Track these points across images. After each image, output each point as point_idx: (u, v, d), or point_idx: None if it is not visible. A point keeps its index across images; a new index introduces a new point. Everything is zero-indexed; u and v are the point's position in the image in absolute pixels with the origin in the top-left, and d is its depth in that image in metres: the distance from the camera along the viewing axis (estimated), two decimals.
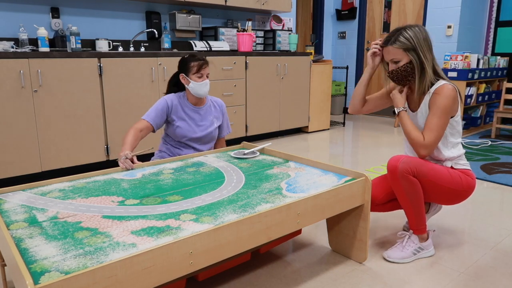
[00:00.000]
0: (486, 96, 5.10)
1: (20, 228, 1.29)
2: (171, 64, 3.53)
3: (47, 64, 2.91)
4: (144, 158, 2.44)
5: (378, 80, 6.32)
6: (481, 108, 5.18)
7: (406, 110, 1.88)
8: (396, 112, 1.88)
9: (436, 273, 1.79)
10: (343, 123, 5.57)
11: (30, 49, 3.09)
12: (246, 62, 4.17)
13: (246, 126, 4.30)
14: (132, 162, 1.95)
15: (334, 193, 1.63)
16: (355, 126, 5.53)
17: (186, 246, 1.18)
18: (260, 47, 4.94)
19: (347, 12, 6.30)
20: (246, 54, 4.17)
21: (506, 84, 4.74)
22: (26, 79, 2.84)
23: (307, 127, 5.00)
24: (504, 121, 5.13)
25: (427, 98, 1.81)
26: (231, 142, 4.14)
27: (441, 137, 1.77)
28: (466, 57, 4.68)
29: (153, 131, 2.22)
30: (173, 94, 2.31)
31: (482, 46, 5.63)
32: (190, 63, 2.23)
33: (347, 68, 5.40)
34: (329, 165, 1.91)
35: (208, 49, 4.06)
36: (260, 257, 1.93)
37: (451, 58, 4.78)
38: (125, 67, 3.28)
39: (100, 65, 3.15)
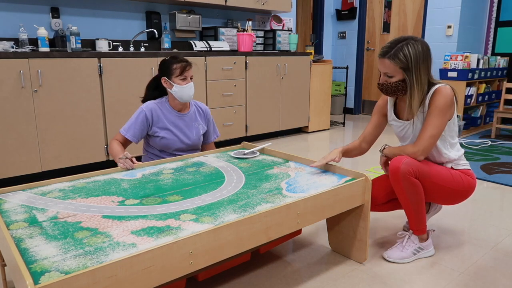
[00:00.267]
0: (486, 96, 5.10)
1: (20, 228, 1.29)
2: None
3: (47, 64, 2.91)
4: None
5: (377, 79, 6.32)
6: (481, 108, 5.18)
7: (384, 148, 1.93)
8: (383, 154, 1.94)
9: (436, 273, 1.79)
10: (343, 123, 5.57)
11: (30, 49, 3.10)
12: (246, 62, 4.17)
13: (246, 126, 4.30)
14: (132, 162, 1.95)
15: (334, 193, 1.63)
16: (355, 126, 5.53)
17: (186, 246, 1.18)
18: (260, 47, 4.94)
19: (347, 12, 6.30)
20: (246, 54, 4.17)
21: (506, 84, 4.73)
22: (26, 79, 2.84)
23: (307, 127, 5.00)
24: (504, 121, 5.13)
25: (426, 101, 1.78)
26: (231, 142, 4.14)
27: (438, 136, 1.75)
28: (466, 57, 4.68)
29: (136, 143, 2.15)
30: (152, 102, 2.16)
31: (482, 46, 5.63)
32: (172, 65, 2.09)
33: (347, 68, 5.40)
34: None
35: (208, 49, 4.06)
36: (260, 257, 1.93)
37: (451, 58, 4.78)
38: (125, 67, 3.29)
39: (100, 65, 3.15)
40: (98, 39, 3.47)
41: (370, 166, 3.46)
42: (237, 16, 4.83)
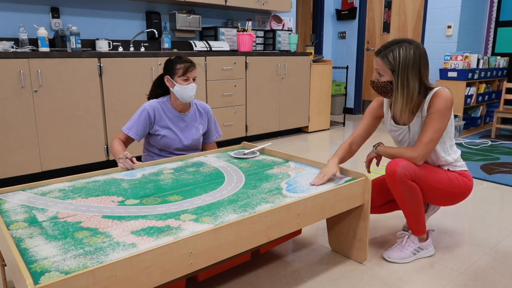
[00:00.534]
0: (486, 96, 5.10)
1: (20, 228, 1.29)
2: None
3: (47, 64, 2.91)
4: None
5: None
6: (481, 108, 5.18)
7: (379, 145, 1.91)
8: (375, 150, 1.92)
9: (436, 273, 1.79)
10: (343, 123, 5.57)
11: (30, 49, 3.10)
12: (246, 62, 4.17)
13: (246, 126, 4.30)
14: (132, 162, 1.95)
15: (334, 193, 1.63)
16: (355, 126, 5.53)
17: (186, 246, 1.18)
18: (260, 47, 4.94)
19: (347, 12, 6.29)
20: (246, 54, 4.17)
21: (506, 84, 4.73)
22: (26, 79, 2.84)
23: (307, 127, 5.00)
24: (504, 121, 5.13)
25: (425, 106, 1.75)
26: (231, 142, 4.14)
27: (437, 140, 1.73)
28: (466, 57, 4.68)
29: (138, 141, 2.17)
30: (155, 100, 2.18)
31: (482, 46, 5.63)
32: (176, 65, 2.10)
33: (347, 68, 5.40)
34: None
35: (208, 49, 4.06)
36: (260, 257, 1.93)
37: (451, 58, 4.78)
38: (125, 67, 3.29)
39: (100, 65, 3.15)
40: (98, 39, 3.47)
41: (371, 167, 3.45)
42: (237, 16, 4.83)
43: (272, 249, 2.00)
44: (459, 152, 1.89)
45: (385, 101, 1.93)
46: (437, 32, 5.36)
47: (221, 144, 3.93)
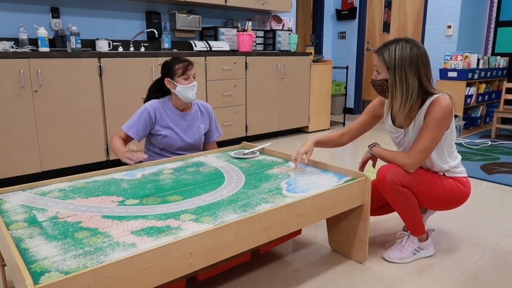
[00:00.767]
0: (486, 96, 5.10)
1: (20, 228, 1.29)
2: None
3: (47, 64, 2.91)
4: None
5: None
6: (481, 108, 5.18)
7: (374, 145, 1.89)
8: (370, 151, 1.90)
9: (436, 273, 1.79)
10: (343, 123, 5.57)
11: (30, 49, 3.10)
12: (246, 62, 4.17)
13: (246, 126, 4.30)
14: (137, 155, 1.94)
15: (334, 193, 1.63)
16: None
17: (186, 246, 1.18)
18: (260, 47, 4.94)
19: (347, 12, 6.30)
20: (246, 54, 4.17)
21: (506, 84, 4.74)
22: (26, 79, 2.84)
23: (307, 127, 5.00)
24: (504, 121, 5.12)
25: (422, 112, 1.72)
26: (231, 142, 4.14)
27: (431, 149, 1.70)
28: (466, 57, 4.68)
29: (138, 141, 2.16)
30: (156, 100, 2.17)
31: (482, 46, 5.63)
32: (175, 66, 2.11)
33: (347, 68, 5.40)
34: (329, 165, 1.91)
35: (208, 49, 4.06)
36: (260, 257, 1.93)
37: (451, 58, 4.78)
38: (125, 67, 3.29)
39: (100, 65, 3.15)
40: (98, 39, 3.47)
41: (370, 166, 3.45)
42: (237, 16, 4.83)
43: (272, 249, 2.00)
44: (458, 159, 1.84)
45: (386, 101, 1.92)
46: (437, 32, 5.36)
47: (221, 144, 3.93)
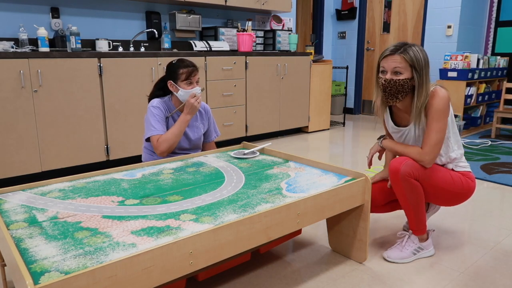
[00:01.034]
0: (486, 96, 5.10)
1: (20, 228, 1.29)
2: None
3: (47, 64, 2.91)
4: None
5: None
6: (481, 108, 5.18)
7: (384, 138, 1.93)
8: (381, 144, 1.93)
9: (436, 273, 1.79)
10: (343, 123, 5.57)
11: (30, 49, 3.10)
12: (246, 62, 4.17)
13: (246, 126, 4.30)
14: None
15: (334, 193, 1.63)
16: (355, 126, 5.53)
17: (186, 246, 1.18)
18: (260, 47, 4.94)
19: (347, 12, 6.30)
20: (246, 54, 4.17)
21: (506, 84, 4.73)
22: (26, 79, 2.84)
23: (307, 127, 5.00)
24: (504, 121, 5.12)
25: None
26: (231, 142, 4.14)
27: (443, 140, 1.75)
28: (466, 57, 4.68)
29: None
30: (159, 100, 2.17)
31: (482, 46, 5.63)
32: (179, 69, 2.10)
33: (347, 68, 5.40)
34: (329, 165, 1.91)
35: (208, 49, 4.06)
36: (260, 257, 1.93)
37: (451, 58, 4.78)
38: (125, 67, 3.29)
39: (100, 65, 3.15)
40: (98, 39, 3.47)
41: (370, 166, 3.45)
42: (237, 16, 4.83)
43: (272, 249, 2.00)
44: (463, 150, 1.90)
45: (380, 111, 1.91)
46: (437, 32, 5.36)
47: (221, 144, 3.94)
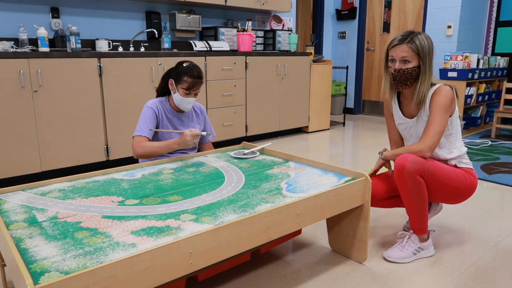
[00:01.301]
0: (486, 96, 5.10)
1: (20, 228, 1.28)
2: (171, 64, 3.52)
3: (47, 64, 2.91)
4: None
5: (379, 79, 6.32)
6: (481, 108, 5.18)
7: (385, 150, 1.95)
8: (383, 157, 1.94)
9: (436, 273, 1.79)
10: (343, 123, 5.57)
11: (30, 49, 3.09)
12: (246, 62, 4.17)
13: (246, 126, 4.30)
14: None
15: (334, 193, 1.63)
16: (355, 126, 5.53)
17: (186, 246, 1.18)
18: (260, 47, 4.94)
19: (347, 12, 6.29)
20: (246, 54, 4.17)
21: (506, 84, 4.73)
22: (26, 79, 2.84)
23: (307, 127, 5.00)
24: (504, 121, 5.13)
25: (427, 101, 1.84)
26: (231, 142, 4.14)
27: (442, 132, 1.80)
28: (466, 57, 4.68)
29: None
30: (155, 100, 2.20)
31: (482, 46, 5.63)
32: (184, 76, 2.08)
33: (347, 68, 5.40)
34: (329, 165, 1.91)
35: (208, 49, 4.06)
36: (260, 257, 1.93)
37: (451, 58, 4.78)
38: (125, 67, 3.28)
39: (100, 65, 3.15)
40: (98, 39, 3.47)
41: (370, 166, 3.45)
42: (237, 16, 4.83)
43: (272, 249, 2.00)
44: (465, 148, 1.94)
45: (388, 94, 1.96)
46: (437, 32, 5.35)
47: (221, 144, 3.94)
